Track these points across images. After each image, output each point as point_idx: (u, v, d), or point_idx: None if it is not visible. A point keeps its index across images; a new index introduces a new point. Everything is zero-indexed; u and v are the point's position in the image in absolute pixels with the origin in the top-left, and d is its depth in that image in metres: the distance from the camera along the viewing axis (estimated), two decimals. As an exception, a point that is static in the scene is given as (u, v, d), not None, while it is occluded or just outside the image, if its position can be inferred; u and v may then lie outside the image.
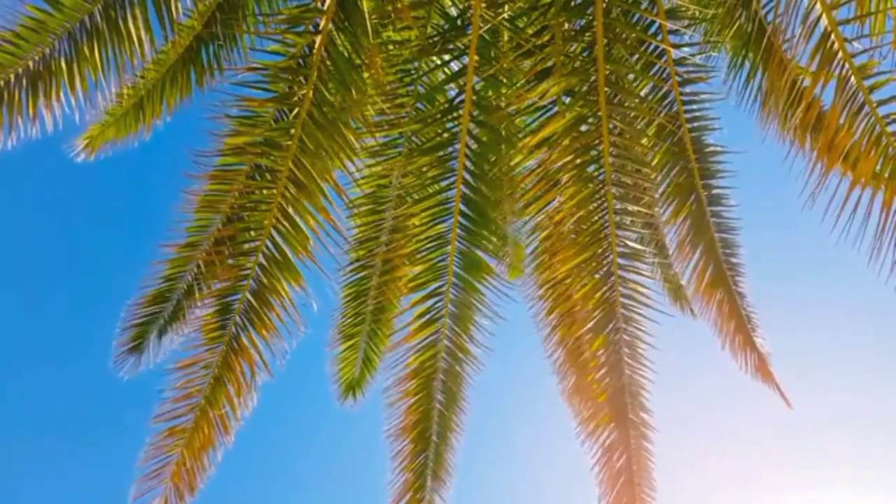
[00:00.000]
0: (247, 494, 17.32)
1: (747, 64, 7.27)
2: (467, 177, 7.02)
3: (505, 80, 7.00)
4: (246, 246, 6.78)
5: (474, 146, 6.94)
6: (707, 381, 14.17)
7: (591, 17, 6.27)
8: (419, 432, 8.45)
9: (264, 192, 6.70)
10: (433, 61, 7.42)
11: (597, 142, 6.62)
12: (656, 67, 7.15)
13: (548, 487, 17.41)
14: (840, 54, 5.23)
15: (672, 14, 6.79)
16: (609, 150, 6.61)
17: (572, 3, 6.40)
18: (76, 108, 6.10)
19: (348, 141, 6.54)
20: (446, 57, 7.08)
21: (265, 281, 6.65)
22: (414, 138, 7.59)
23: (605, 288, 7.23)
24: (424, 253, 7.39)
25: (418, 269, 7.53)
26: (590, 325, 7.44)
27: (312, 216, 6.48)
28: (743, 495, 15.53)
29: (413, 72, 7.54)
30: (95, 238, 17.24)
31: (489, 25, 6.54)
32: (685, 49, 7.26)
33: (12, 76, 5.78)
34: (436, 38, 6.99)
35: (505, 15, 6.69)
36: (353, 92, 6.44)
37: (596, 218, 6.99)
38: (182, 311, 8.11)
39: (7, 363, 16.78)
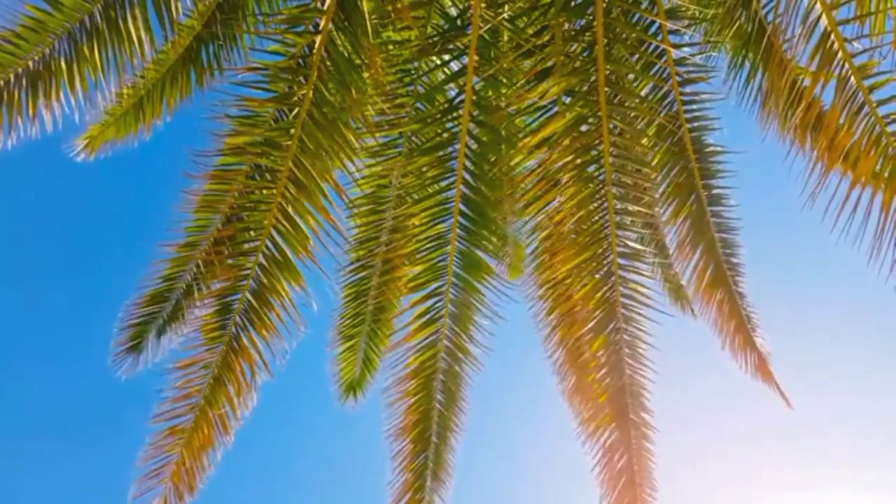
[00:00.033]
0: (247, 494, 17.33)
1: (747, 64, 7.27)
2: (467, 177, 7.02)
3: (505, 80, 7.00)
4: (246, 246, 6.78)
5: (474, 146, 6.94)
6: (707, 380, 14.18)
7: (591, 17, 6.27)
8: (419, 432, 8.44)
9: (264, 192, 6.70)
10: (433, 61, 7.42)
11: (597, 142, 6.62)
12: (656, 67, 7.14)
13: (547, 487, 17.43)
14: (840, 54, 5.23)
15: (672, 14, 6.79)
16: (609, 150, 6.60)
17: (572, 3, 6.40)
18: (76, 108, 6.11)
19: (348, 141, 6.54)
20: (446, 57, 7.07)
21: (265, 281, 6.65)
22: (414, 138, 7.59)
23: (605, 288, 7.23)
24: (424, 253, 7.39)
25: (418, 269, 7.53)
26: (590, 326, 7.44)
27: (312, 216, 6.48)
28: (743, 495, 15.55)
29: (413, 72, 7.53)
30: (95, 238, 17.26)
31: (489, 25, 6.54)
32: (685, 49, 7.26)
33: (12, 76, 5.78)
34: (436, 38, 6.98)
35: (505, 15, 6.69)
36: (353, 92, 6.44)
37: (596, 218, 6.99)
38: (181, 311, 8.13)
39: (7, 363, 16.80)
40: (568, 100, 6.71)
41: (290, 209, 6.45)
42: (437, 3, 7.06)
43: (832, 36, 5.23)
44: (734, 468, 16.71)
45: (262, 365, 6.80)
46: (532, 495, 18.58)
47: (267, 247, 6.56)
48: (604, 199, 6.85)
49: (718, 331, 8.83)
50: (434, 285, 7.53)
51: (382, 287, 8.59)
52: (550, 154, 6.72)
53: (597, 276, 7.21)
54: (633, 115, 6.98)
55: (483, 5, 6.42)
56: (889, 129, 5.27)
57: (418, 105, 7.59)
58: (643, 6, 6.63)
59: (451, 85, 7.18)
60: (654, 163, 7.63)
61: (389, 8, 6.65)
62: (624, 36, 6.52)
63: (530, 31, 6.72)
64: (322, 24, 6.13)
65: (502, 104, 7.05)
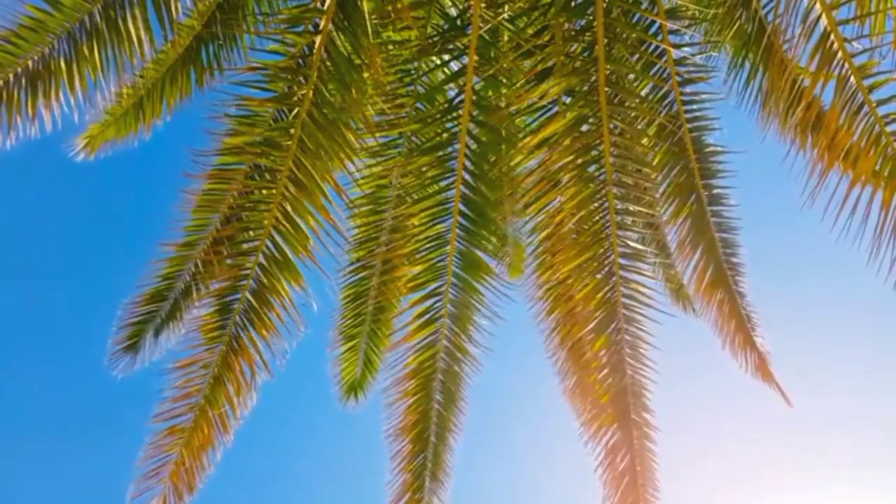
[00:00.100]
0: (247, 494, 17.34)
1: (747, 64, 7.28)
2: (467, 177, 7.02)
3: (505, 81, 7.00)
4: (246, 245, 6.78)
5: (474, 146, 6.94)
6: (707, 380, 14.17)
7: (591, 17, 6.27)
8: (418, 433, 8.44)
9: (264, 191, 6.70)
10: (433, 61, 7.42)
11: (597, 142, 6.62)
12: (657, 67, 7.14)
13: (547, 488, 17.42)
14: (840, 54, 5.24)
15: (672, 14, 6.79)
16: (610, 150, 6.60)
17: (572, 3, 6.40)
18: (75, 108, 6.11)
19: (348, 141, 6.54)
20: (446, 57, 7.08)
21: (265, 281, 6.64)
22: (414, 138, 7.59)
23: (606, 288, 7.22)
24: (424, 253, 7.38)
25: (417, 269, 7.52)
26: (591, 326, 7.42)
27: (312, 216, 6.48)
28: (743, 495, 15.54)
29: (413, 72, 7.54)
30: (95, 238, 17.25)
31: (489, 25, 6.54)
32: (685, 49, 7.26)
33: (11, 76, 5.79)
34: (436, 39, 6.98)
35: (505, 15, 6.70)
36: (353, 92, 6.44)
37: (597, 218, 6.98)
38: (179, 311, 8.13)
39: (7, 363, 16.80)
40: (568, 100, 6.72)
41: (290, 209, 6.44)
42: (437, 3, 7.07)
43: (832, 36, 5.23)
44: (734, 468, 16.71)
45: (261, 365, 6.79)
46: (532, 495, 18.57)
47: (267, 246, 6.55)
48: (604, 199, 6.85)
49: (719, 330, 8.84)
50: (433, 285, 7.53)
51: (382, 287, 8.59)
52: (551, 154, 6.72)
53: (598, 276, 7.20)
54: (633, 115, 6.98)
55: (483, 5, 6.42)
56: (888, 128, 5.27)
57: (418, 105, 7.60)
58: (643, 6, 6.63)
59: (451, 85, 7.18)
60: (654, 163, 7.64)
61: (389, 8, 6.65)
62: (624, 36, 6.52)
63: (530, 31, 6.72)
64: (322, 24, 6.13)
65: (502, 104, 7.05)
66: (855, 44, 5.23)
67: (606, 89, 6.37)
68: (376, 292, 8.80)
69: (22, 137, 6.00)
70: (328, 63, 6.22)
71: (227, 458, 7.23)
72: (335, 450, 18.49)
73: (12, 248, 16.22)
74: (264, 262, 6.58)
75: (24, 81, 5.82)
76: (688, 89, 7.31)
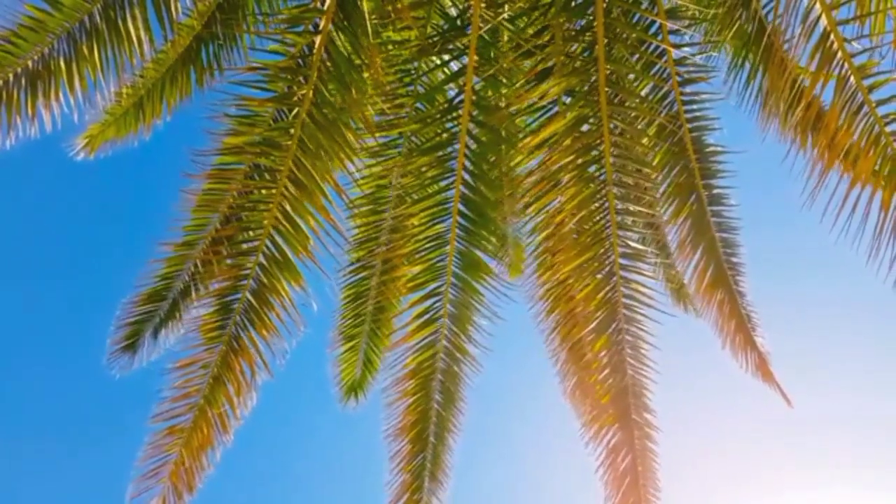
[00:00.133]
0: (246, 494, 17.34)
1: (747, 64, 7.28)
2: (466, 177, 7.01)
3: (505, 81, 7.00)
4: (245, 245, 6.78)
5: (474, 146, 6.93)
6: (707, 380, 14.16)
7: (591, 17, 6.27)
8: (417, 433, 8.44)
9: (264, 191, 6.71)
10: (433, 61, 7.42)
11: (598, 142, 6.61)
12: (657, 67, 7.15)
13: (546, 488, 17.41)
14: (839, 54, 5.24)
15: (672, 14, 6.78)
16: (610, 150, 6.60)
17: (573, 3, 6.40)
18: (75, 108, 6.11)
19: (348, 141, 6.54)
20: (446, 57, 7.07)
21: (265, 280, 6.65)
22: (413, 138, 7.59)
23: (607, 288, 7.21)
24: (423, 253, 7.38)
25: (417, 269, 7.52)
26: (592, 326, 7.42)
27: (312, 216, 6.48)
28: (743, 494, 15.54)
29: (413, 72, 7.54)
30: (95, 238, 17.25)
31: (489, 25, 6.54)
32: (686, 49, 7.26)
33: (11, 75, 5.79)
34: (435, 39, 6.98)
35: (505, 15, 6.69)
36: (353, 92, 6.45)
37: (597, 218, 6.98)
38: (178, 311, 8.13)
39: (7, 363, 16.80)
40: (568, 100, 6.71)
41: (289, 209, 6.45)
42: (437, 3, 7.06)
43: (832, 36, 5.23)
44: (734, 467, 16.70)
45: (261, 364, 6.80)
46: (531, 496, 18.57)
47: (267, 246, 6.56)
48: (605, 199, 6.84)
49: (719, 330, 8.84)
50: (433, 285, 7.52)
51: (382, 287, 8.58)
52: (551, 154, 6.72)
53: (598, 276, 7.19)
54: (633, 115, 6.98)
55: (483, 5, 6.42)
56: (888, 128, 5.27)
57: (418, 105, 7.60)
58: (643, 6, 6.63)
59: (451, 85, 7.18)
60: (654, 163, 7.64)
61: (389, 8, 6.65)
62: (624, 36, 6.52)
63: (530, 31, 6.72)
64: (322, 24, 6.13)
65: (502, 104, 7.05)
66: (855, 44, 5.23)
67: (606, 89, 6.37)
68: (376, 292, 8.80)
69: (22, 137, 6.00)
70: (328, 63, 6.23)
71: (226, 458, 7.24)
72: (335, 450, 18.49)
73: (12, 248, 16.23)
74: (264, 262, 6.59)
75: (23, 81, 5.82)
76: (688, 89, 7.31)
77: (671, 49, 6.90)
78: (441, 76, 7.39)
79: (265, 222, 6.48)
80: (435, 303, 7.60)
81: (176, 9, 5.83)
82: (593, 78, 6.38)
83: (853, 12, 5.19)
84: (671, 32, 6.82)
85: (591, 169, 6.78)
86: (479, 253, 7.38)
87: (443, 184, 7.13)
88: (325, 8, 6.10)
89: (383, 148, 7.85)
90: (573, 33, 6.63)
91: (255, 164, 6.79)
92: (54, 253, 17.15)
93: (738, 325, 8.69)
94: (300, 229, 6.49)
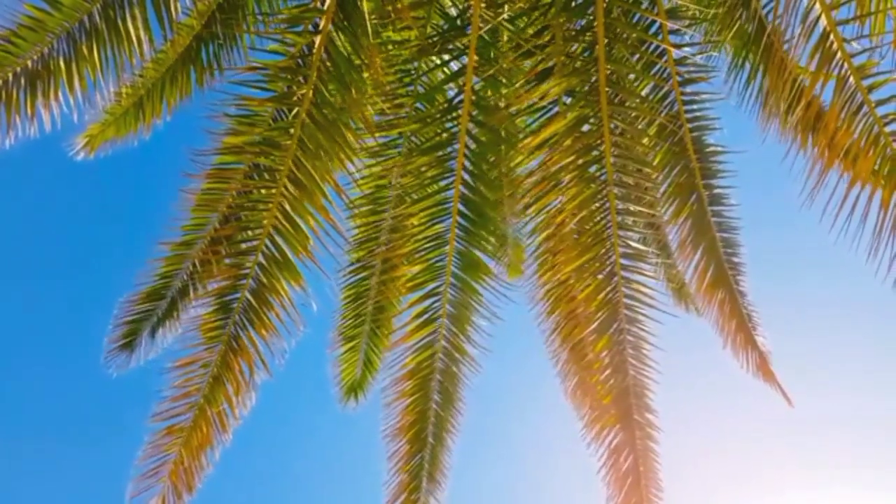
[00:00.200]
0: (246, 494, 17.34)
1: (748, 64, 7.27)
2: (466, 177, 7.01)
3: (504, 81, 6.99)
4: (245, 245, 6.78)
5: (473, 146, 6.93)
6: (708, 380, 14.16)
7: (591, 17, 6.26)
8: (415, 433, 8.44)
9: (263, 191, 6.71)
10: (433, 61, 7.42)
11: (598, 142, 6.61)
12: (657, 67, 7.15)
13: (546, 488, 17.42)
14: (839, 54, 5.23)
15: (673, 14, 6.78)
16: (611, 150, 6.59)
17: (573, 3, 6.40)
18: (75, 108, 6.11)
19: (348, 141, 6.54)
20: (446, 57, 7.07)
21: (265, 280, 6.65)
22: (413, 138, 7.58)
23: (608, 288, 7.20)
24: (422, 253, 7.37)
25: (416, 269, 7.52)
26: (593, 326, 7.41)
27: (312, 216, 6.48)
28: (744, 494, 15.54)
29: (413, 72, 7.53)
30: (95, 237, 17.26)
31: (489, 26, 6.53)
32: (686, 49, 7.25)
33: (10, 75, 5.78)
34: (435, 38, 6.98)
35: (505, 15, 6.69)
36: (353, 92, 6.44)
37: (598, 218, 6.97)
38: (176, 310, 8.14)
39: (7, 363, 16.80)
40: (569, 100, 6.71)
41: (289, 209, 6.45)
42: (437, 3, 7.06)
43: (831, 36, 5.23)
44: (735, 467, 16.70)
45: (261, 364, 6.80)
46: (530, 496, 18.59)
47: (266, 246, 6.56)
48: (605, 199, 6.84)
49: (720, 330, 8.83)
50: (432, 285, 7.52)
51: (382, 287, 8.58)
52: (551, 154, 6.71)
53: (599, 276, 7.19)
54: (634, 115, 6.97)
55: (483, 5, 6.42)
56: (887, 129, 5.27)
57: (418, 105, 7.60)
58: (644, 6, 6.63)
59: (451, 85, 7.17)
60: (655, 163, 7.64)
61: (389, 8, 6.65)
62: (625, 36, 6.51)
63: (530, 32, 6.71)
64: (322, 24, 6.13)
65: (502, 104, 7.04)
66: (854, 44, 5.23)
67: (607, 89, 6.36)
68: (376, 292, 8.80)
69: (21, 137, 6.00)
70: (328, 63, 6.23)
71: (226, 458, 7.24)
72: (334, 450, 18.51)
73: (12, 248, 16.24)
74: (264, 262, 6.59)
75: (23, 81, 5.82)
76: (688, 89, 7.31)
77: (671, 49, 6.90)
78: (441, 76, 7.39)
79: (265, 222, 6.48)
80: (434, 303, 7.60)
81: (176, 8, 5.83)
82: (594, 78, 6.37)
83: (853, 12, 5.19)
84: (671, 32, 6.82)
85: (592, 169, 6.78)
86: (478, 253, 7.38)
87: (442, 184, 7.13)
88: (325, 8, 6.10)
89: (383, 148, 7.85)
90: (573, 33, 6.62)
91: (254, 164, 6.79)
92: (54, 253, 17.17)
93: (738, 325, 8.68)
94: (300, 229, 6.49)
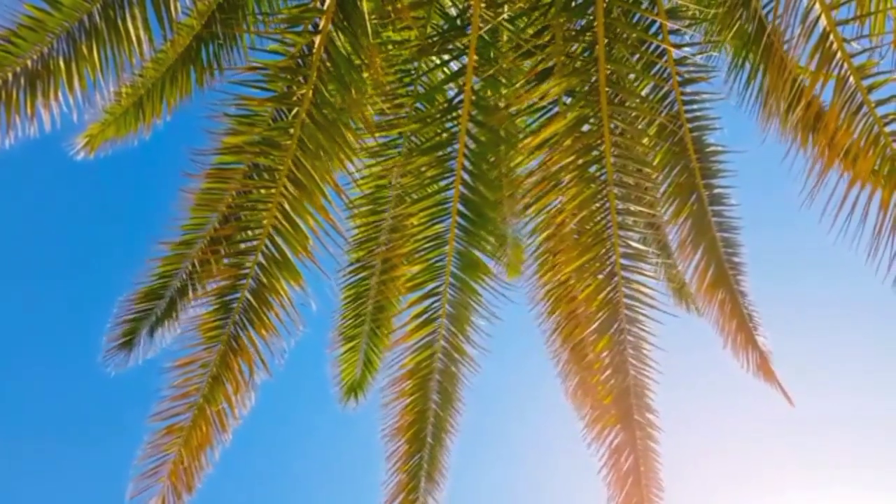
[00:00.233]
0: (245, 494, 17.34)
1: (748, 64, 7.26)
2: (466, 177, 7.01)
3: (504, 81, 6.99)
4: (245, 245, 6.78)
5: (473, 146, 6.93)
6: (709, 380, 14.16)
7: (591, 17, 6.26)
8: (414, 433, 8.44)
9: (263, 191, 6.70)
10: (433, 61, 7.42)
11: (598, 142, 6.60)
12: (657, 67, 7.14)
13: (545, 488, 17.42)
14: (839, 54, 5.23)
15: (673, 14, 6.78)
16: (611, 150, 6.59)
17: (573, 3, 6.39)
18: (75, 108, 6.11)
19: (348, 141, 6.54)
20: (446, 57, 7.07)
21: (264, 280, 6.65)
22: (413, 138, 7.58)
23: (608, 289, 7.20)
24: (422, 253, 7.37)
25: (416, 268, 7.52)
26: (594, 327, 7.41)
27: (312, 216, 6.48)
28: (745, 494, 15.54)
29: (413, 72, 7.54)
30: (95, 237, 17.26)
31: (489, 26, 6.53)
32: (686, 49, 7.25)
33: (10, 75, 5.78)
34: (435, 39, 6.98)
35: (505, 15, 6.68)
36: (353, 92, 6.44)
37: (598, 218, 6.97)
38: (175, 309, 8.13)
39: (7, 363, 16.80)
40: (569, 100, 6.71)
41: (289, 209, 6.44)
42: (437, 3, 7.06)
43: (831, 36, 5.23)
44: (736, 467, 16.69)
45: (260, 364, 6.80)
46: (529, 496, 18.60)
47: (266, 246, 6.56)
48: (606, 199, 6.83)
49: (720, 330, 8.82)
50: (431, 285, 7.52)
51: (382, 287, 8.58)
52: (552, 155, 6.71)
53: (599, 276, 7.18)
54: (634, 114, 6.97)
55: (483, 5, 6.42)
56: (887, 129, 5.27)
57: (418, 105, 7.60)
58: (644, 6, 6.63)
59: (451, 85, 7.17)
60: (655, 163, 7.64)
61: (389, 8, 6.65)
62: (625, 36, 6.51)
63: (530, 32, 6.71)
64: (322, 23, 6.13)
65: (502, 104, 7.04)
66: (854, 44, 5.23)
67: (607, 89, 6.36)
68: (376, 292, 8.80)
69: (21, 137, 6.00)
70: (328, 63, 6.23)
71: (225, 458, 7.24)
72: (334, 449, 18.50)
73: (12, 248, 16.23)
74: (263, 262, 6.59)
75: (23, 81, 5.82)
76: (688, 89, 7.31)
77: (671, 49, 6.90)
78: (441, 76, 7.40)
79: (265, 222, 6.48)
80: (433, 303, 7.60)
81: (175, 8, 5.83)
82: (594, 78, 6.37)
83: (853, 12, 5.18)
84: (671, 32, 6.82)
85: (592, 169, 6.77)
86: (477, 253, 7.38)
87: (442, 184, 7.13)
88: (325, 8, 6.10)
89: (383, 148, 7.85)
90: (573, 33, 6.62)
91: (254, 164, 6.79)
92: (54, 252, 17.17)
93: (739, 325, 8.68)
94: (299, 229, 6.49)
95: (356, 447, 16.53)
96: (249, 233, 6.73)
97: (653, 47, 6.94)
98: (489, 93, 7.04)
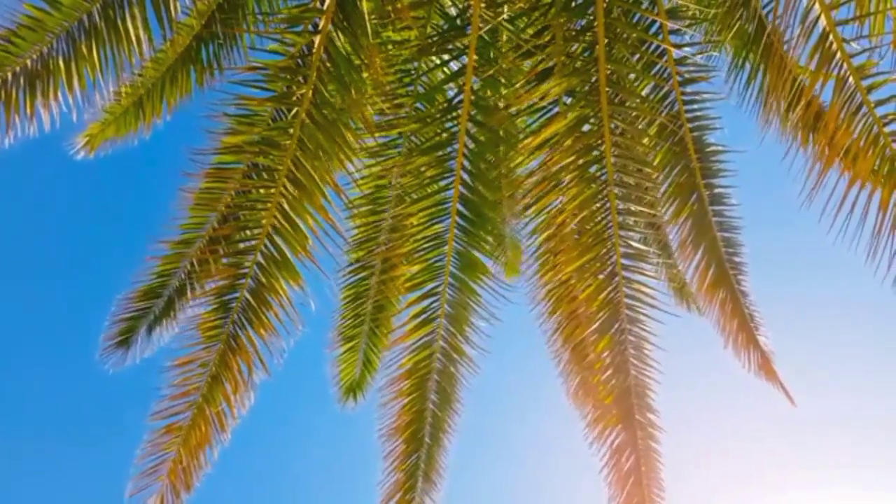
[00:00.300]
0: (244, 493, 17.35)
1: (748, 64, 7.26)
2: (465, 177, 7.01)
3: (504, 81, 6.98)
4: (244, 244, 6.78)
5: (473, 146, 6.92)
6: (709, 379, 14.16)
7: (591, 17, 6.25)
8: (412, 433, 8.43)
9: (262, 191, 6.70)
10: (433, 61, 7.42)
11: (599, 142, 6.60)
12: (657, 67, 7.14)
13: (546, 488, 17.42)
14: (838, 55, 5.23)
15: (673, 14, 6.78)
16: (611, 150, 6.58)
17: (573, 3, 6.38)
18: (75, 107, 6.12)
19: (347, 141, 6.54)
20: (446, 57, 7.07)
21: (264, 280, 6.64)
22: (413, 138, 7.58)
23: (609, 289, 7.19)
24: (421, 253, 7.37)
25: (415, 268, 7.51)
26: (595, 327, 7.40)
27: (311, 216, 6.48)
28: (746, 494, 15.56)
29: (413, 72, 7.53)
30: (95, 236, 17.27)
31: (489, 26, 6.53)
32: (686, 49, 7.25)
33: (10, 74, 5.79)
34: (435, 38, 6.98)
35: (505, 15, 6.68)
36: (353, 92, 6.44)
37: (599, 218, 6.96)
38: (174, 309, 8.14)
39: (7, 362, 16.82)
40: (569, 100, 6.69)
41: (288, 209, 6.44)
42: (437, 3, 7.06)
43: (831, 36, 5.23)
44: (736, 467, 16.71)
45: (259, 364, 6.80)
46: (528, 496, 18.59)
47: (266, 246, 6.55)
48: (606, 199, 6.83)
49: (721, 330, 8.83)
50: (430, 285, 7.52)
51: (382, 287, 8.58)
52: (552, 155, 6.70)
53: (600, 276, 7.17)
54: (634, 114, 6.96)
55: (483, 5, 6.41)
56: (887, 129, 5.28)
57: (417, 105, 7.59)
58: (644, 6, 6.62)
59: (451, 85, 7.17)
60: (655, 162, 7.63)
61: (389, 8, 6.64)
62: (625, 36, 6.50)
63: (530, 32, 6.70)
64: (321, 23, 6.12)
65: (502, 104, 7.04)
66: (854, 44, 5.23)
67: (607, 89, 6.35)
68: (375, 292, 8.79)
69: (21, 137, 6.00)
70: (328, 63, 6.22)
71: (224, 457, 7.24)
72: (333, 449, 18.52)
73: (12, 247, 16.24)
74: (263, 262, 6.58)
75: (22, 80, 5.83)
76: (689, 89, 7.31)
77: (672, 49, 6.89)
78: (441, 76, 7.39)
79: (264, 222, 6.48)
80: (432, 303, 7.60)
81: (175, 8, 5.84)
82: (594, 78, 6.36)
83: (853, 12, 5.18)
84: (672, 32, 6.82)
85: (593, 169, 6.77)
86: (477, 253, 7.38)
87: (442, 184, 7.13)
88: (325, 8, 6.09)
89: (383, 148, 7.84)
90: (573, 33, 6.61)
91: (253, 164, 6.79)
92: (54, 252, 17.18)
93: (740, 325, 8.68)
94: (299, 229, 6.49)
95: (356, 447, 16.55)
96: (249, 232, 6.73)
97: (653, 47, 6.93)
98: (489, 93, 7.04)
